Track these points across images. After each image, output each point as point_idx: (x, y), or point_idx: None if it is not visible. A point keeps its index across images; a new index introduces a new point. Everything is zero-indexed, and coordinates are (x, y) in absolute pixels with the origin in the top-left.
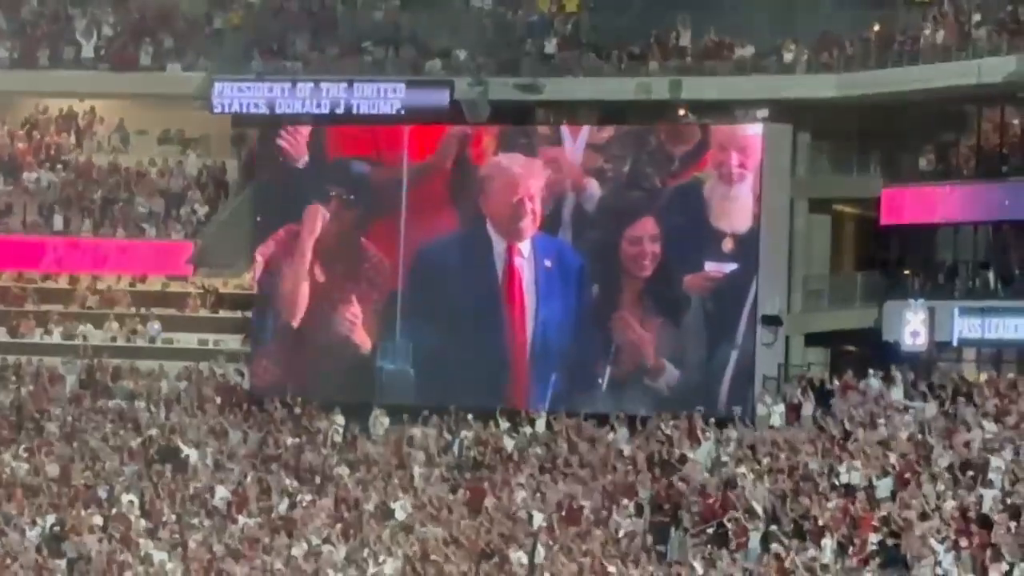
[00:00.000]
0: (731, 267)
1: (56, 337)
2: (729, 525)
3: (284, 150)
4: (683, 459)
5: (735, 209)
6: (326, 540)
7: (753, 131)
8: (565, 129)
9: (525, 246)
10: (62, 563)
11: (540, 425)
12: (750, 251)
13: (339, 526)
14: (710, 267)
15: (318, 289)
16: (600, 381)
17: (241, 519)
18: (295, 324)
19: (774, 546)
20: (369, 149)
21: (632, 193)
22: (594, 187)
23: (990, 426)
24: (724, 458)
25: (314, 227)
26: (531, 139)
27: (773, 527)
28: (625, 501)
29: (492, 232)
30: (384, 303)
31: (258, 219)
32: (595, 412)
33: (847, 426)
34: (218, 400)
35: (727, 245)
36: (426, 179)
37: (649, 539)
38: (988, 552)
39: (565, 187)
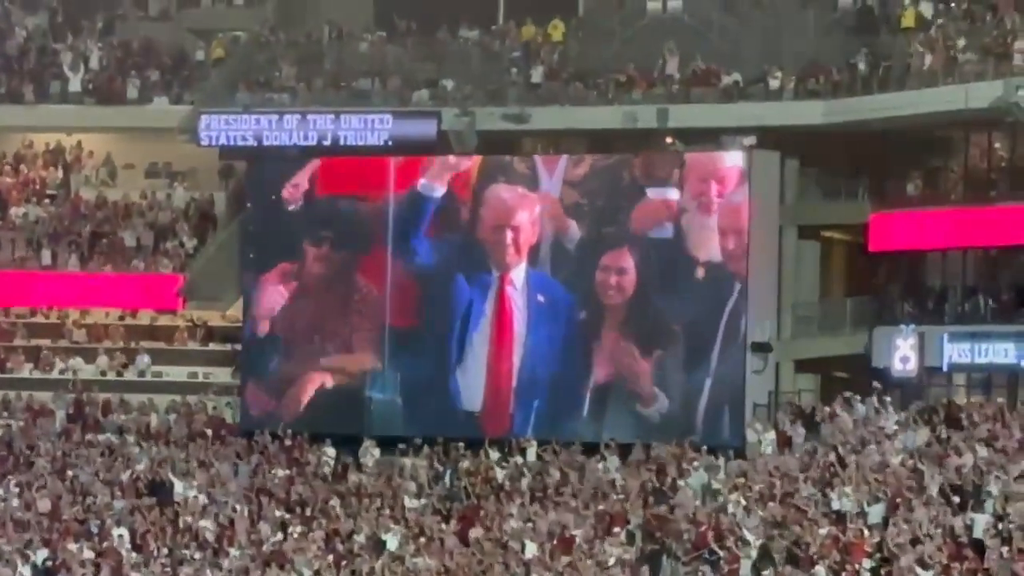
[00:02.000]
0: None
1: (45, 372)
2: (721, 553)
3: (283, 198)
4: (674, 487)
5: (711, 238)
6: (317, 572)
7: (731, 161)
8: (540, 164)
9: (518, 277)
10: None
11: (531, 455)
12: (724, 280)
13: (331, 557)
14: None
15: (310, 322)
16: (582, 408)
17: (232, 552)
18: (286, 357)
19: (766, 574)
20: (355, 186)
21: (608, 226)
22: (574, 226)
23: (981, 451)
24: (716, 486)
25: (306, 266)
26: (508, 175)
27: (765, 555)
28: (616, 529)
29: (487, 261)
30: (374, 334)
31: (250, 256)
32: (577, 439)
33: (838, 452)
34: (208, 433)
35: (700, 273)
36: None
37: (641, 568)
38: None
39: (547, 225)
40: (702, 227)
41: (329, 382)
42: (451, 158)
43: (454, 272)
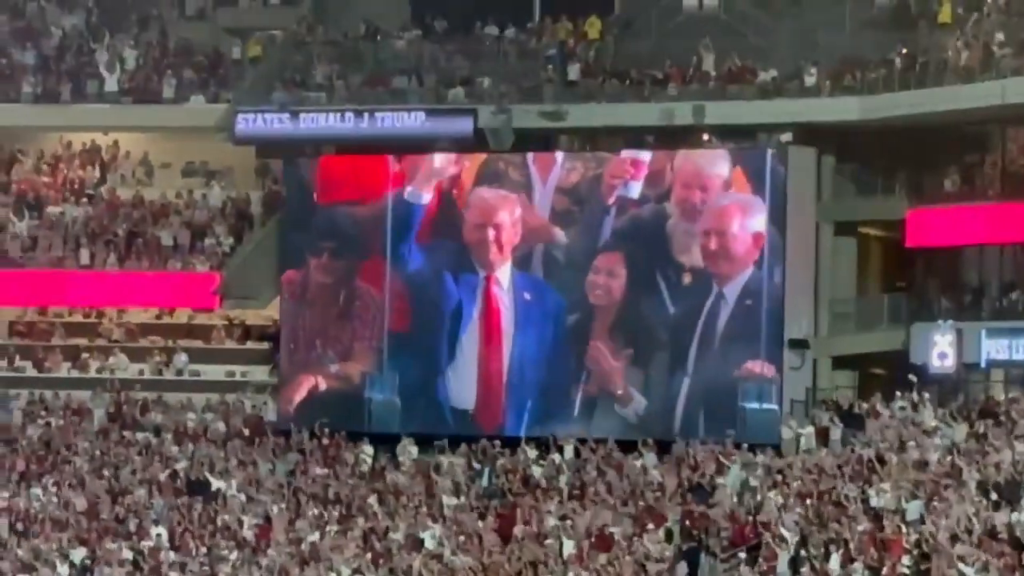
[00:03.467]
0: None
1: (83, 371)
2: (763, 550)
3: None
4: (712, 484)
5: (694, 244)
6: (356, 570)
7: (719, 168)
8: (534, 171)
9: (504, 277)
10: None
11: (568, 452)
12: (705, 284)
13: (368, 556)
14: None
15: (318, 325)
16: (573, 407)
17: (270, 551)
18: (289, 361)
19: (804, 571)
20: (354, 192)
21: (599, 230)
22: (561, 234)
23: (1020, 447)
24: (753, 483)
25: (309, 274)
26: (502, 180)
27: (803, 552)
28: (653, 527)
29: (472, 262)
30: (374, 339)
31: (288, 253)
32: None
33: (876, 449)
34: (246, 431)
35: (686, 279)
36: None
37: (678, 565)
38: (1019, 574)
39: (537, 230)
40: (686, 233)
41: (324, 384)
42: (437, 164)
43: (443, 274)
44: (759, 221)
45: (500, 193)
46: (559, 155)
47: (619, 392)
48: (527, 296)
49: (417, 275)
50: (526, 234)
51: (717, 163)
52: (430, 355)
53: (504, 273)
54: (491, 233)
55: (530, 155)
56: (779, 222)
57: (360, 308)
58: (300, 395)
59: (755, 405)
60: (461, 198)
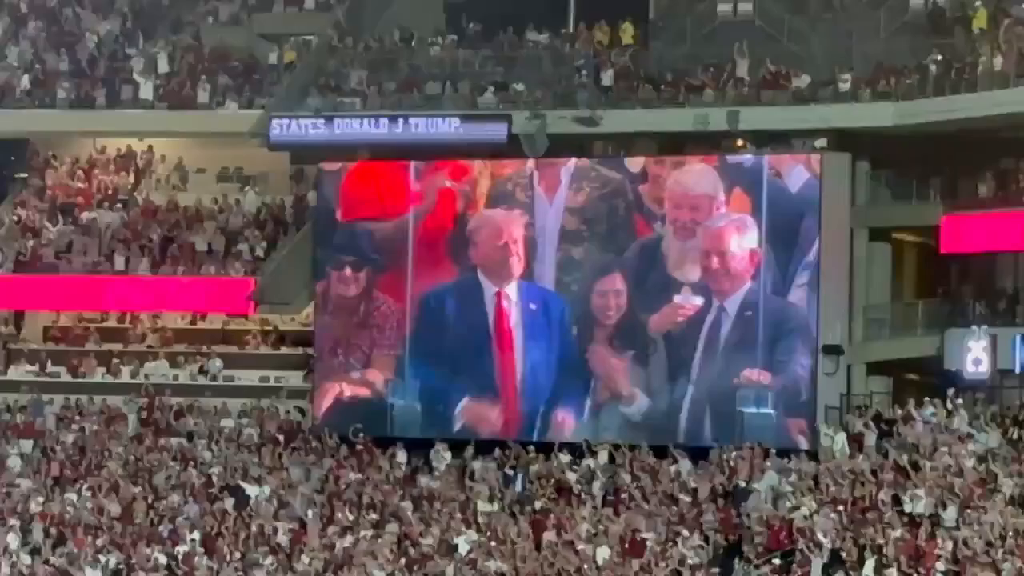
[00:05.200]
0: (698, 300)
1: (118, 376)
2: (797, 557)
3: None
4: (747, 490)
5: (688, 261)
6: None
7: (707, 187)
8: (540, 191)
9: (512, 291)
10: None
11: (602, 458)
12: (706, 296)
13: (402, 561)
14: (678, 299)
15: (343, 333)
16: (582, 413)
17: (304, 556)
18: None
19: None
20: (376, 209)
21: (604, 252)
22: (569, 248)
23: None
24: (787, 488)
25: (330, 286)
26: (510, 199)
27: (837, 558)
28: (687, 533)
29: (482, 279)
30: (395, 346)
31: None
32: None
33: (910, 455)
34: (280, 437)
35: (686, 293)
36: (428, 233)
37: (712, 570)
38: None
39: (544, 245)
40: (681, 251)
41: (348, 392)
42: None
43: (462, 289)
44: (752, 238)
45: (503, 212)
46: (563, 172)
47: (624, 393)
48: (532, 306)
49: (437, 289)
50: (531, 250)
51: (705, 181)
52: (450, 364)
53: (512, 288)
54: (511, 248)
55: (536, 174)
56: (780, 231)
57: (377, 317)
58: (327, 401)
59: (753, 410)
60: (472, 217)
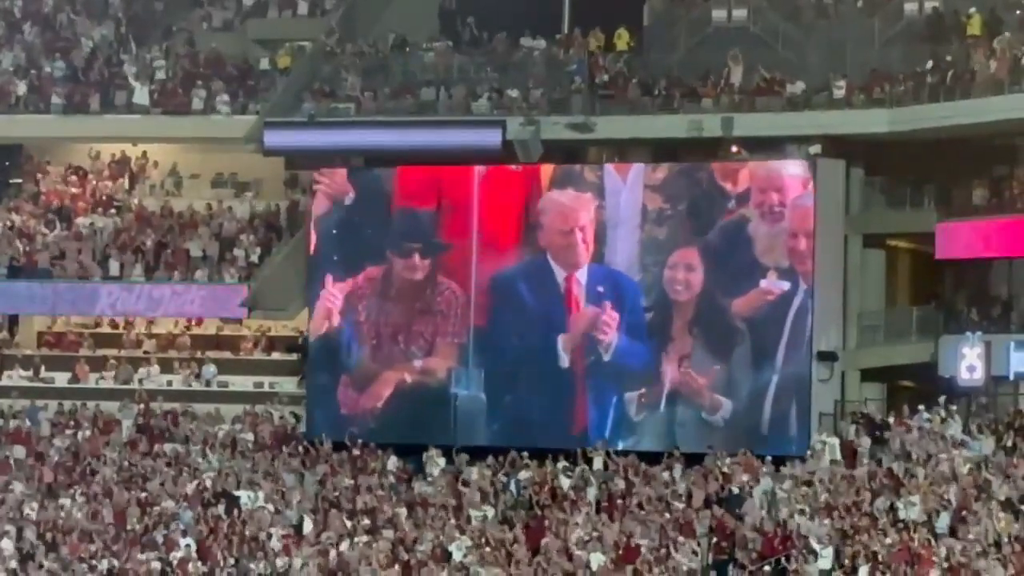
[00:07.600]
0: (785, 285)
1: (111, 382)
2: (792, 563)
3: (327, 194)
4: (740, 496)
5: (777, 245)
6: None
7: (793, 170)
8: (611, 170)
9: (582, 275)
10: None
11: (597, 463)
12: (794, 283)
13: (396, 567)
14: (765, 284)
15: (392, 327)
16: (657, 409)
17: (298, 562)
18: (365, 365)
19: None
20: (433, 199)
21: (684, 229)
22: (647, 225)
23: None
24: (781, 495)
25: (392, 273)
26: (577, 183)
27: (831, 564)
28: (682, 539)
29: (552, 263)
30: (459, 333)
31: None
32: (652, 447)
33: (905, 462)
34: (274, 443)
35: (772, 277)
36: (494, 217)
37: None
38: None
39: (617, 225)
40: (768, 235)
41: (409, 379)
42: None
43: (532, 272)
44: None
45: (572, 194)
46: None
47: (705, 402)
48: (600, 289)
49: (504, 274)
50: (607, 225)
51: (789, 167)
52: (515, 355)
53: (583, 271)
54: (578, 235)
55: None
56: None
57: (440, 303)
58: (387, 390)
59: None
60: (538, 202)
